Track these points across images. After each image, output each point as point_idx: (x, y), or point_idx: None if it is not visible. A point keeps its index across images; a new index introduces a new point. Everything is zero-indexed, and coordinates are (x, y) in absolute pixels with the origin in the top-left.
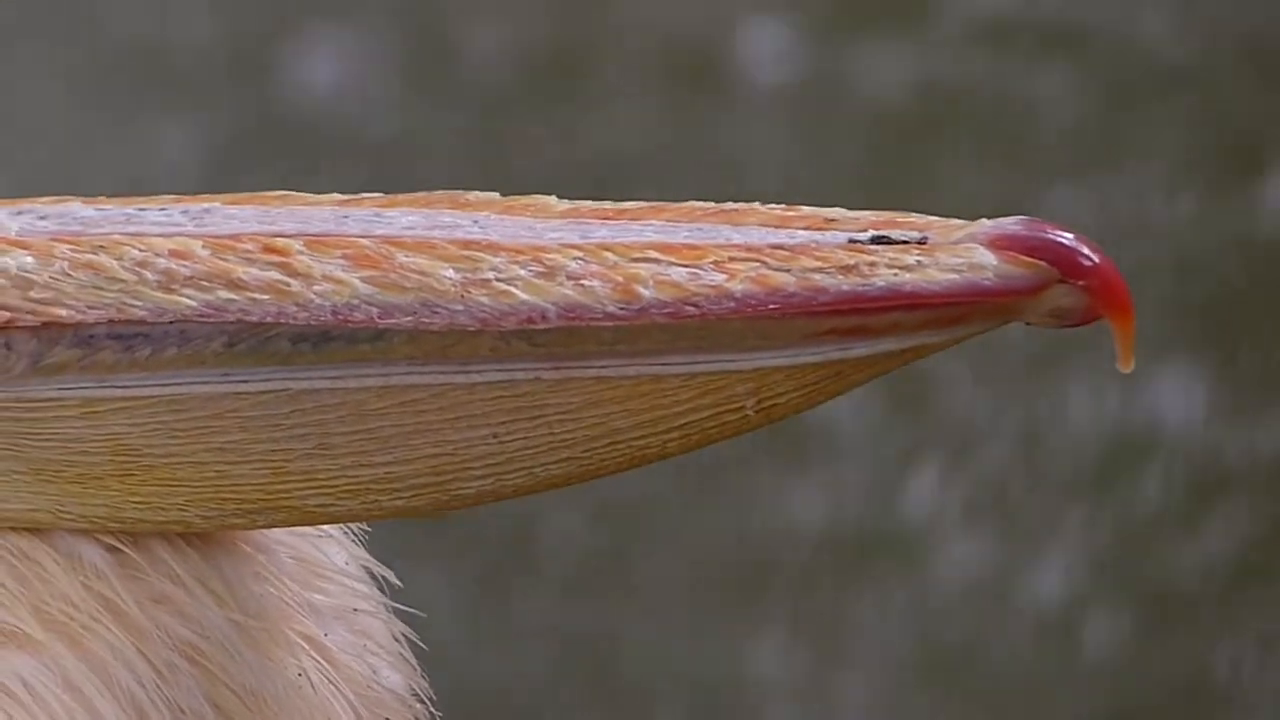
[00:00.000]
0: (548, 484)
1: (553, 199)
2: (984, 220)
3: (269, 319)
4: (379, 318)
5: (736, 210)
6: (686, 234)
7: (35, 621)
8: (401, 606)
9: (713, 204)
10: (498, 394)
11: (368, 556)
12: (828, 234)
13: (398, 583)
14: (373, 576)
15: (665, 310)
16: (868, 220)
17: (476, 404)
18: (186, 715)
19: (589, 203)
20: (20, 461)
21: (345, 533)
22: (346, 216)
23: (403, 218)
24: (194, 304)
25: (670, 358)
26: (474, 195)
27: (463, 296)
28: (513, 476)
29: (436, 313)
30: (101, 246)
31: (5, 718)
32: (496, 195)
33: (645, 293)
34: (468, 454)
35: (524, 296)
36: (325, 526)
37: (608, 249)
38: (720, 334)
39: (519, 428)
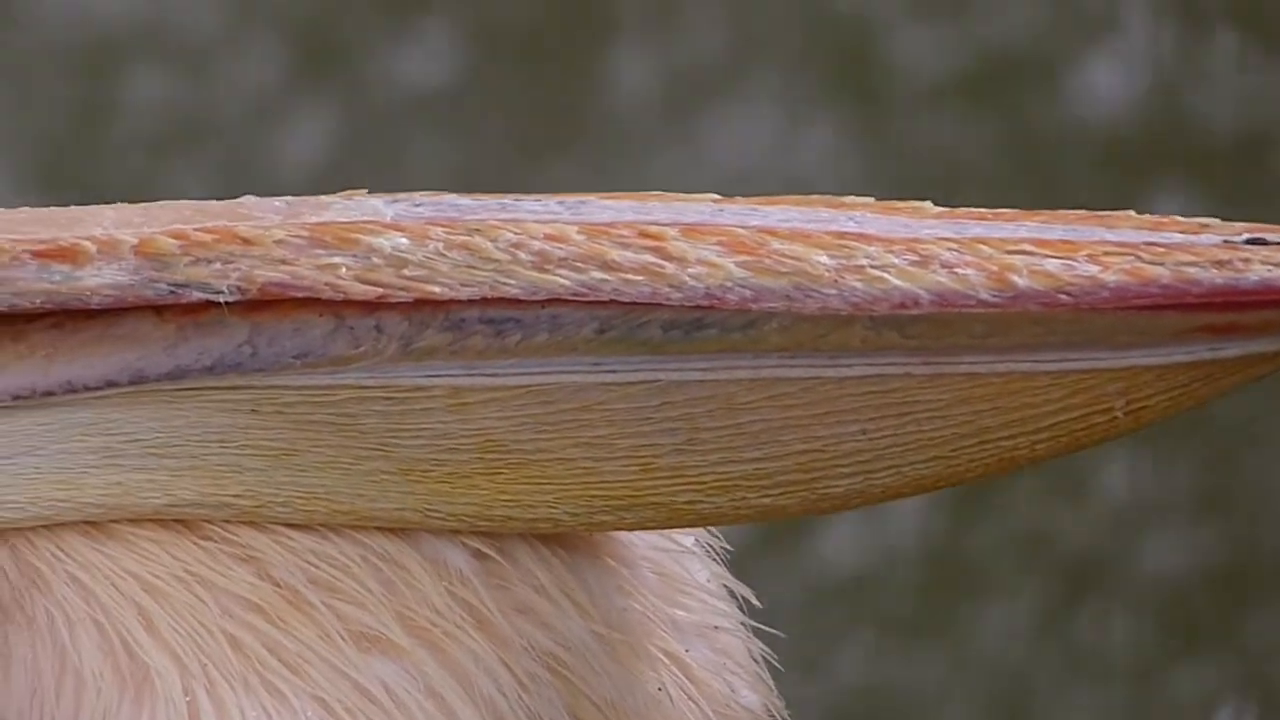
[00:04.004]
0: (916, 484)
1: (928, 204)
2: None
3: (643, 300)
4: (752, 301)
5: (1110, 215)
6: (1061, 232)
7: (399, 627)
8: (759, 625)
9: (1085, 210)
10: (867, 389)
11: (727, 574)
12: (1202, 236)
13: (756, 603)
14: (732, 595)
15: (1039, 299)
16: (1242, 226)
17: (846, 399)
18: None
19: (965, 208)
20: (389, 462)
21: (706, 550)
22: (722, 210)
23: (778, 212)
24: (567, 283)
25: (1041, 354)
26: (850, 198)
27: (836, 281)
28: (881, 475)
29: (810, 296)
30: (476, 229)
31: None
32: (872, 199)
33: (1019, 281)
34: (837, 450)
35: (897, 282)
36: (687, 542)
37: (982, 242)
38: (1092, 329)
39: (888, 425)
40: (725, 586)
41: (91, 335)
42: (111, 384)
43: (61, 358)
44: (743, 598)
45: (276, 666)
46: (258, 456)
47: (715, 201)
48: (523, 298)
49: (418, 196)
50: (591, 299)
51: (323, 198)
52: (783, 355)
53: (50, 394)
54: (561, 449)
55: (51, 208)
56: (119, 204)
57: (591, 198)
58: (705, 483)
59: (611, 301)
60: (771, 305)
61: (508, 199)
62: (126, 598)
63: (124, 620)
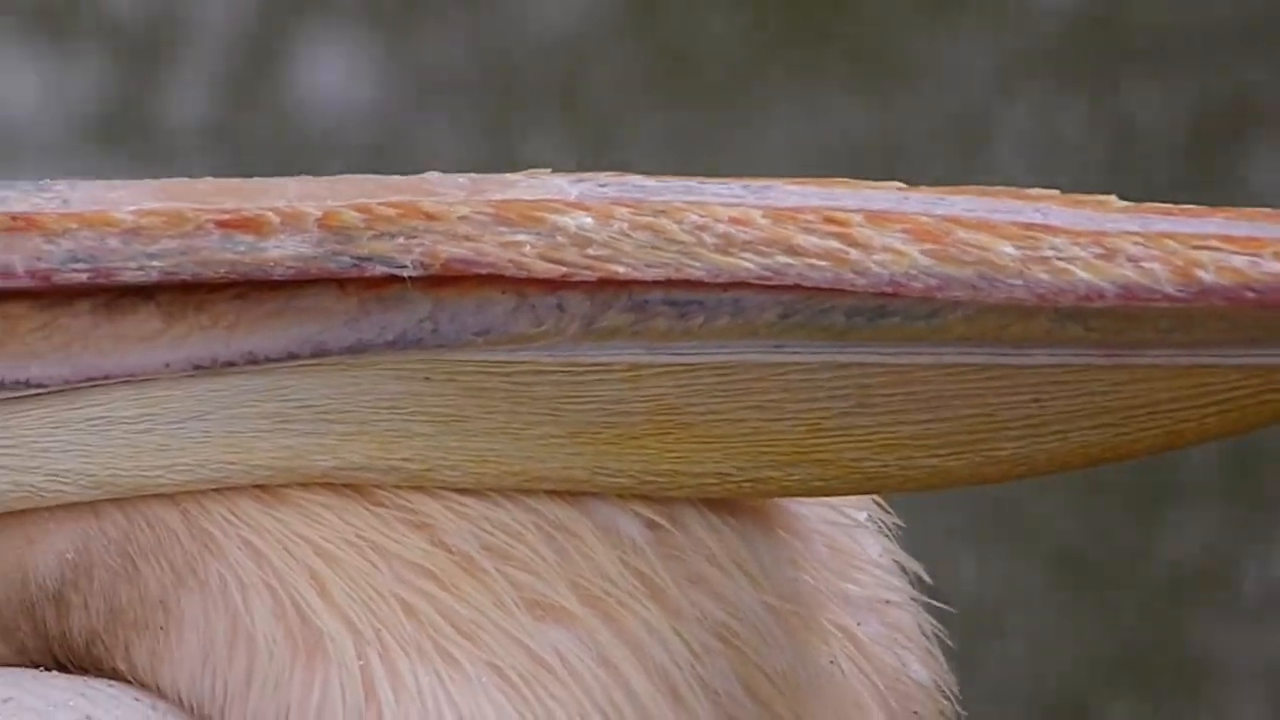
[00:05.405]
0: (1082, 453)
1: (1113, 198)
2: None
3: (826, 285)
4: (937, 289)
5: None
6: (1247, 229)
7: (573, 595)
8: (931, 601)
9: (1269, 208)
10: (1045, 370)
11: (899, 550)
12: None
13: (928, 579)
14: (903, 570)
15: (1225, 294)
16: None
17: (1023, 375)
18: (719, 696)
19: (1150, 203)
20: (558, 425)
21: (878, 525)
22: (907, 198)
23: (963, 201)
24: (752, 267)
25: (1225, 350)
26: (1035, 190)
27: (1021, 272)
28: (1048, 440)
29: (995, 286)
30: (661, 211)
31: (541, 690)
32: (1057, 192)
33: (1205, 276)
34: (1007, 415)
35: (1083, 275)
36: (859, 517)
37: (1168, 237)
38: (1276, 325)
39: (1062, 393)
40: (896, 561)
41: (274, 307)
42: (293, 356)
43: (243, 329)
44: (914, 573)
45: (450, 633)
46: (428, 422)
47: (900, 189)
48: (707, 280)
49: (602, 176)
50: (776, 283)
51: (507, 175)
52: (965, 344)
53: (231, 364)
54: (733, 411)
55: (235, 178)
56: (302, 176)
57: (777, 182)
58: (872, 441)
59: (795, 286)
60: (956, 294)
61: (693, 181)
62: (299, 562)
63: (297, 584)
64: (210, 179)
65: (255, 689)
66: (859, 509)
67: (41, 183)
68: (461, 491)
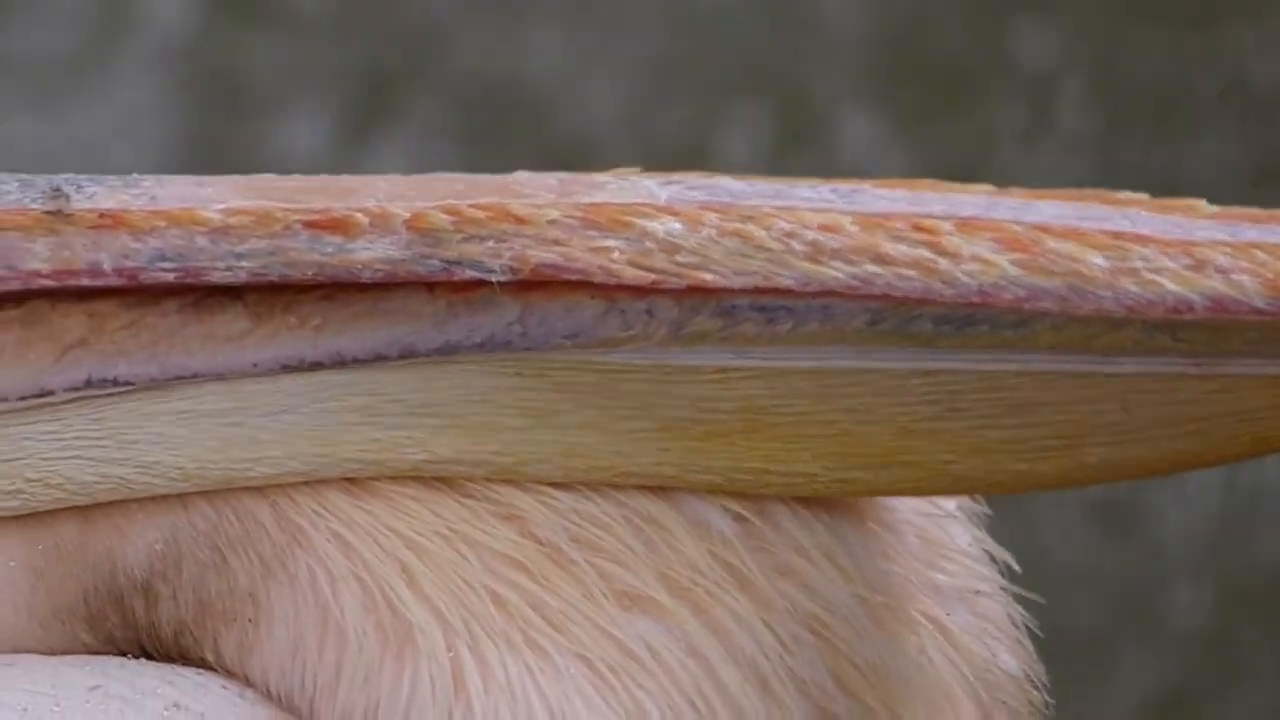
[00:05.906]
0: (1170, 459)
1: (1203, 202)
2: None
3: (915, 295)
4: (1025, 300)
5: None
6: None
7: (661, 587)
8: (1021, 591)
9: None
10: (1134, 378)
11: (989, 539)
12: None
13: (1017, 568)
14: (993, 559)
15: None
16: None
17: (1112, 383)
18: (809, 687)
19: (1239, 208)
20: (649, 420)
21: (967, 514)
22: (996, 203)
23: (1052, 208)
24: (840, 275)
25: None
26: (1124, 194)
27: (1110, 284)
28: (1135, 446)
29: (1084, 298)
30: (750, 217)
31: (630, 681)
32: (1146, 195)
33: None
34: (1095, 421)
35: (1172, 287)
36: (949, 507)
37: (1257, 247)
38: None
39: (1149, 400)
40: (986, 551)
41: (362, 308)
42: (381, 357)
43: (330, 330)
44: (1004, 562)
45: (540, 624)
46: (519, 416)
47: (989, 193)
48: (795, 288)
49: (691, 178)
50: (864, 291)
51: (596, 176)
52: (1054, 352)
53: (319, 365)
54: (821, 413)
55: (323, 176)
56: (391, 175)
57: (866, 185)
58: (960, 445)
59: (884, 295)
60: (1045, 305)
61: (781, 184)
62: (389, 554)
63: (387, 577)
64: (298, 176)
65: (345, 682)
66: (949, 499)
67: (130, 178)
68: (551, 485)
